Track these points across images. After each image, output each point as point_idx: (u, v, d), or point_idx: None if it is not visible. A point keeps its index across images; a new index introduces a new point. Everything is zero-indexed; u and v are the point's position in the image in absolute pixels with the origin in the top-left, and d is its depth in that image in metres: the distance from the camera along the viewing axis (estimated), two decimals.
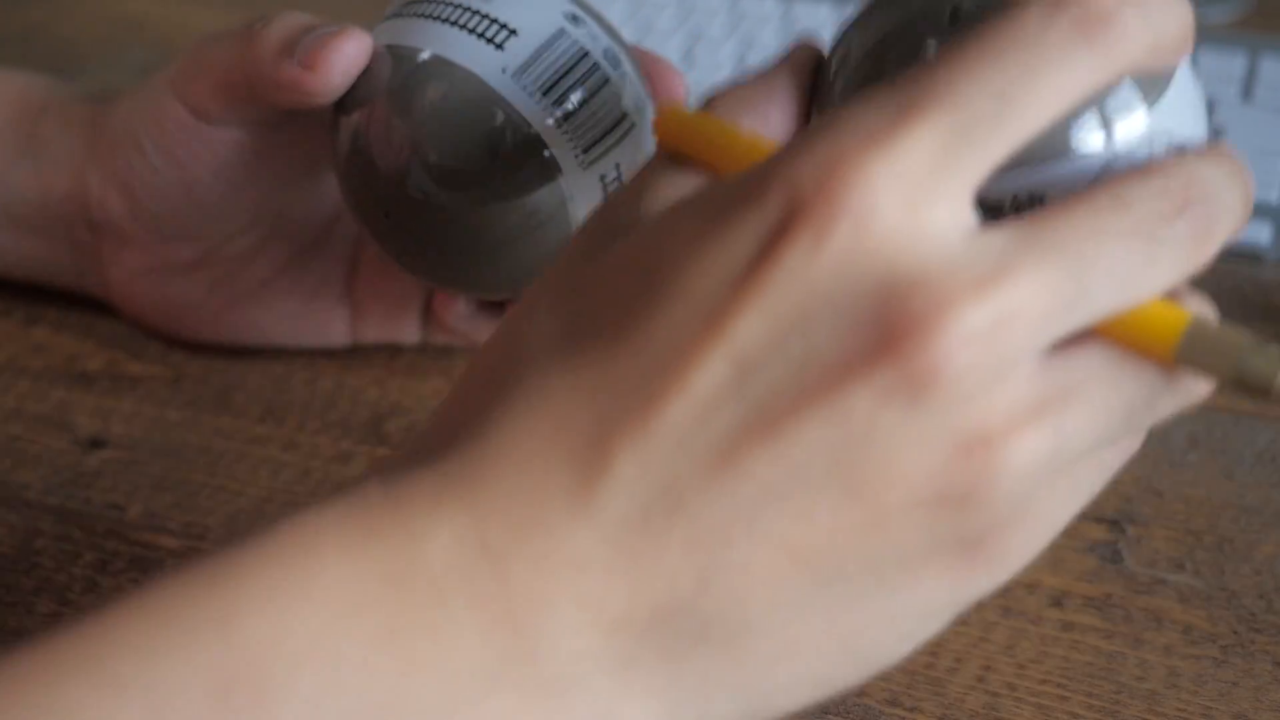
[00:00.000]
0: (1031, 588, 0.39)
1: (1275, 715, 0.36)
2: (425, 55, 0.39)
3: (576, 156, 0.39)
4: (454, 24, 0.39)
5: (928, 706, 0.36)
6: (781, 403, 0.25)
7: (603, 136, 0.39)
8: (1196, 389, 0.27)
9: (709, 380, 0.25)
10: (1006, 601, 0.39)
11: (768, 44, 0.62)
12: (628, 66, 0.40)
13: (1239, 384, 0.26)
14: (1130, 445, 0.29)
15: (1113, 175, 0.27)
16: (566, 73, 0.39)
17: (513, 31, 0.39)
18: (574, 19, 0.40)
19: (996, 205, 0.29)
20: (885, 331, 0.25)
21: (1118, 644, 0.37)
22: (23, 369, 0.48)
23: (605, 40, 0.40)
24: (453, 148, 0.38)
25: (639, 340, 0.26)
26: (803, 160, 0.25)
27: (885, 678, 0.37)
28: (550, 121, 0.38)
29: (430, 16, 0.39)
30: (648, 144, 0.41)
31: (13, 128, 0.46)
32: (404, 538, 0.26)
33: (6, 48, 0.68)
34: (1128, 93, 0.29)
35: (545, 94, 0.38)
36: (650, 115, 0.41)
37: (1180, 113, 0.30)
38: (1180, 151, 0.27)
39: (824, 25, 0.63)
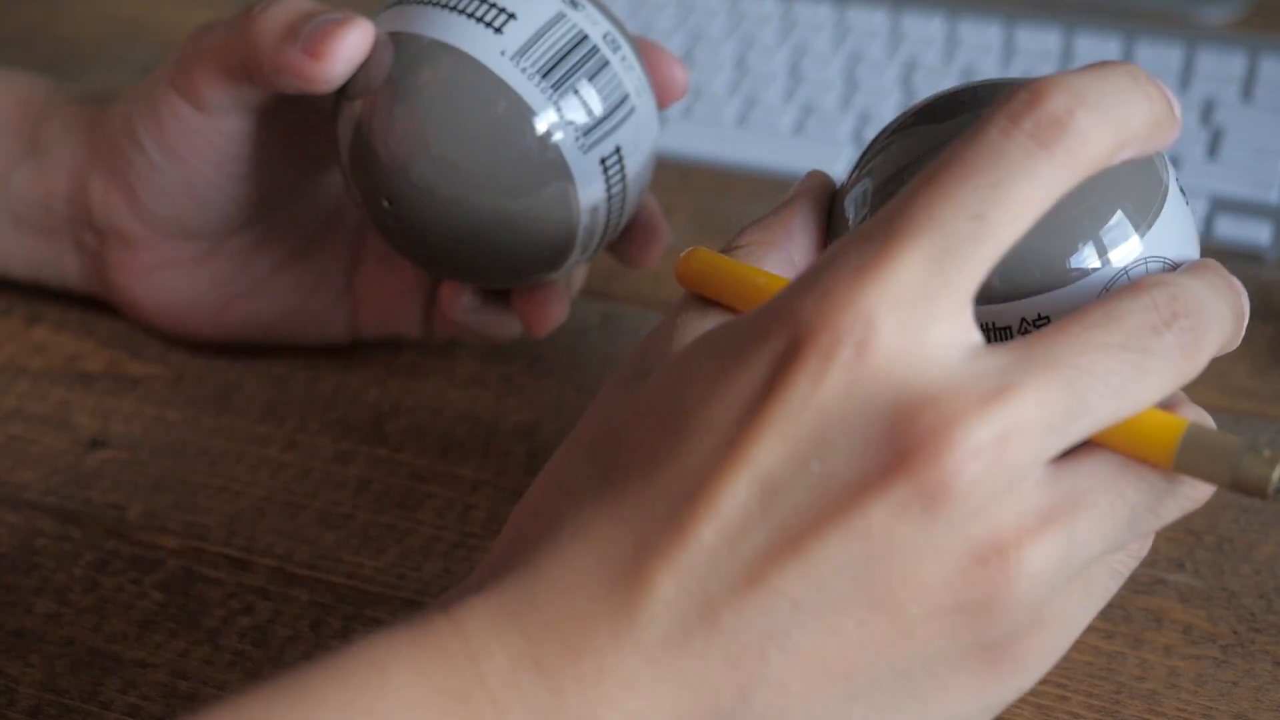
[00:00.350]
0: None
1: (1275, 715, 0.35)
2: (425, 41, 0.39)
3: (577, 139, 0.39)
4: (454, 9, 0.39)
5: None
6: (805, 521, 0.26)
7: (603, 119, 0.39)
8: (1197, 492, 0.29)
9: (735, 502, 0.27)
10: None
11: (768, 44, 0.62)
12: (628, 50, 0.40)
13: (1235, 486, 0.28)
14: (1139, 550, 0.31)
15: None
16: (565, 55, 0.39)
17: (511, 15, 0.39)
18: (572, 3, 0.40)
19: (1005, 329, 0.31)
20: (897, 448, 0.26)
21: (1118, 644, 0.37)
22: (23, 369, 0.48)
23: (605, 24, 0.40)
24: (454, 132, 0.38)
25: (669, 472, 0.27)
26: (803, 295, 0.27)
27: None
28: (550, 104, 0.38)
29: (430, 3, 0.39)
30: (647, 128, 0.41)
31: (14, 130, 0.47)
32: (465, 659, 0.27)
33: (6, 48, 0.68)
34: (1120, 222, 0.31)
35: (544, 76, 0.38)
36: (651, 100, 0.41)
37: (1173, 237, 0.32)
38: (1172, 270, 0.28)
39: (824, 25, 0.63)
